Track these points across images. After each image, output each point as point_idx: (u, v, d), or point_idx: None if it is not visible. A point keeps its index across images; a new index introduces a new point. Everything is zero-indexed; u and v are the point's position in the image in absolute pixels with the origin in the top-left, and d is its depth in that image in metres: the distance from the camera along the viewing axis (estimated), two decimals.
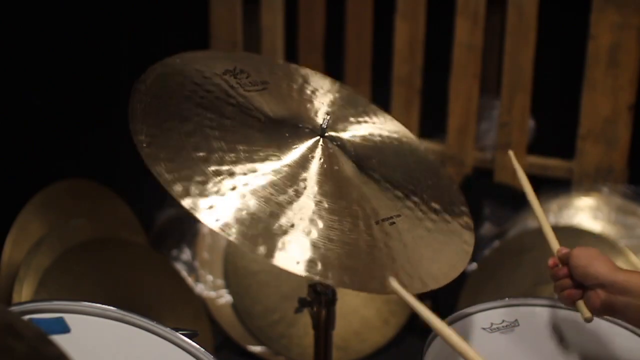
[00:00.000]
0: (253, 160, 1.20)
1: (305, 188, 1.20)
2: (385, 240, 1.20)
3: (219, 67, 1.36)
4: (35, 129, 2.07)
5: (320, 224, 1.16)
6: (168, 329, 1.19)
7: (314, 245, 1.13)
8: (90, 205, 2.05)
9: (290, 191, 1.19)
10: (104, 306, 1.20)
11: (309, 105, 1.39)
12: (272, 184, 1.18)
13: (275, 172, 1.20)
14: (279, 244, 1.12)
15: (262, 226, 1.13)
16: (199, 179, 1.14)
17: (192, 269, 2.33)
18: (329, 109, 1.40)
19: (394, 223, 1.23)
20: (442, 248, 1.26)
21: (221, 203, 1.13)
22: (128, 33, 2.31)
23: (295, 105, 1.37)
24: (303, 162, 1.24)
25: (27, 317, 1.13)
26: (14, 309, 1.15)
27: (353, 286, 1.14)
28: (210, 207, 1.12)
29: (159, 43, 2.43)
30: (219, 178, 1.15)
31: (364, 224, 1.20)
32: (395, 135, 1.45)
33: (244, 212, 1.13)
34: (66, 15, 2.12)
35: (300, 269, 1.10)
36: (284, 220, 1.14)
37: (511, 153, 1.39)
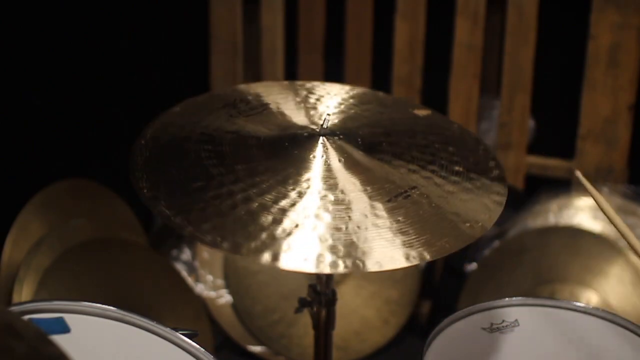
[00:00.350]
0: (253, 175, 1.22)
1: (308, 187, 1.21)
2: (401, 213, 1.20)
3: (218, 103, 1.40)
4: (35, 129, 2.07)
5: (327, 217, 1.17)
6: (168, 329, 1.19)
7: (321, 239, 1.14)
8: (90, 205, 2.05)
9: (293, 194, 1.19)
10: (104, 306, 1.20)
11: (312, 113, 1.40)
12: (275, 192, 1.19)
13: (277, 179, 1.21)
14: (284, 247, 1.12)
15: (266, 234, 1.13)
16: (197, 206, 1.16)
17: (192, 269, 2.33)
18: (334, 109, 1.41)
19: (409, 196, 1.23)
20: (465, 205, 1.27)
21: (222, 222, 1.14)
22: (128, 33, 2.31)
23: (296, 116, 1.38)
24: (305, 163, 1.25)
25: (27, 317, 1.13)
26: (14, 309, 1.15)
27: (371, 267, 1.14)
28: (214, 228, 1.13)
29: (158, 43, 2.43)
30: (218, 201, 1.17)
31: (376, 205, 1.20)
32: (408, 117, 1.46)
33: (247, 226, 1.14)
34: (66, 15, 2.12)
35: (309, 266, 1.11)
36: (287, 223, 1.15)
37: (578, 173, 1.38)
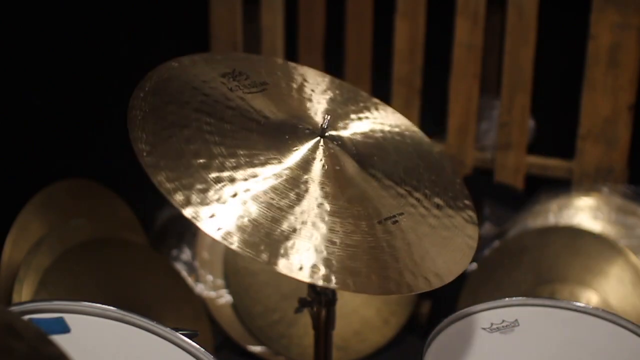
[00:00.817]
0: (254, 165, 1.20)
1: (307, 191, 1.20)
2: (388, 239, 1.20)
3: (217, 70, 1.35)
4: (35, 129, 2.07)
5: (323, 227, 1.16)
6: (168, 329, 1.19)
7: (317, 250, 1.13)
8: (90, 205, 2.05)
9: (292, 195, 1.19)
10: (104, 306, 1.20)
11: (308, 104, 1.39)
12: (274, 189, 1.18)
13: (276, 175, 1.20)
14: (281, 250, 1.11)
15: (264, 233, 1.12)
16: (200, 186, 1.14)
17: (192, 269, 2.33)
18: (329, 107, 1.40)
19: (397, 222, 1.23)
20: (445, 244, 1.26)
21: (222, 211, 1.13)
22: (128, 33, 2.31)
23: (295, 105, 1.37)
24: (304, 164, 1.24)
25: (27, 317, 1.13)
26: (14, 309, 1.15)
27: (356, 289, 1.13)
28: (212, 216, 1.12)
29: (158, 43, 2.43)
30: (219, 185, 1.15)
31: (367, 225, 1.20)
32: (397, 130, 1.45)
33: (245, 220, 1.13)
34: (66, 15, 2.12)
35: (303, 275, 1.10)
36: (285, 226, 1.14)
37: None
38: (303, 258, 1.11)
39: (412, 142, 1.44)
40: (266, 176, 1.19)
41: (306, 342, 2.21)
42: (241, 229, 1.11)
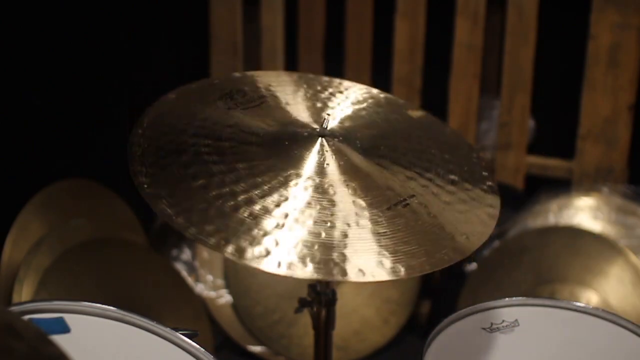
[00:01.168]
0: (255, 175, 1.20)
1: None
2: (403, 221, 1.20)
3: (214, 94, 1.37)
4: (35, 129, 2.07)
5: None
6: (168, 329, 1.19)
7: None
8: (90, 205, 2.05)
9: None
10: (104, 306, 1.20)
11: (309, 108, 1.39)
12: (276, 195, 1.18)
13: (279, 182, 1.20)
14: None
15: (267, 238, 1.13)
16: (200, 206, 1.15)
17: (192, 269, 2.33)
18: (330, 107, 1.40)
19: (407, 205, 1.23)
20: (461, 217, 1.26)
21: (225, 224, 1.13)
22: (128, 33, 2.31)
23: (294, 111, 1.37)
24: (305, 165, 1.24)
25: (27, 317, 1.13)
26: (14, 309, 1.15)
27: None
28: (217, 230, 1.13)
29: (158, 43, 2.43)
30: (219, 202, 1.16)
31: (376, 212, 1.20)
32: (401, 117, 1.45)
33: (251, 230, 1.13)
34: (66, 15, 2.12)
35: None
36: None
37: None
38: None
39: (422, 126, 1.45)
40: (268, 183, 1.20)
41: (306, 342, 2.21)
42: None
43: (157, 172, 1.21)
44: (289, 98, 1.40)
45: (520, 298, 1.36)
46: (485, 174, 1.37)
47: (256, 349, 2.27)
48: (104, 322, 1.19)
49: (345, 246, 1.13)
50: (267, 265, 1.10)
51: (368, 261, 1.12)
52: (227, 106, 1.34)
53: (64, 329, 1.14)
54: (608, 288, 2.08)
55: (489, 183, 1.35)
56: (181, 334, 1.19)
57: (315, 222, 1.16)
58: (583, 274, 2.10)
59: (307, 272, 1.10)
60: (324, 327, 1.40)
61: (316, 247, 1.13)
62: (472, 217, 1.27)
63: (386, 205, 1.21)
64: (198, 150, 1.24)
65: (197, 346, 1.18)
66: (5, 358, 0.71)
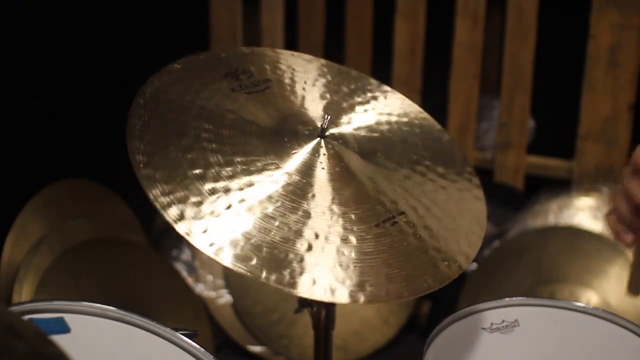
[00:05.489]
0: (250, 173, 1.17)
1: (313, 196, 1.17)
2: (388, 241, 1.17)
3: (220, 70, 1.33)
4: (35, 129, 2.07)
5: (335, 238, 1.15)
6: (168, 329, 1.19)
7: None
8: (90, 205, 2.05)
9: (303, 202, 1.17)
10: (104, 306, 1.19)
11: (310, 99, 1.35)
12: (270, 197, 1.16)
13: (274, 182, 1.17)
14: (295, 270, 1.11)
15: (267, 249, 1.11)
16: (194, 199, 1.12)
17: (192, 269, 2.33)
18: (329, 100, 1.37)
19: (396, 222, 1.20)
20: (449, 236, 1.24)
21: (215, 225, 1.10)
22: (128, 33, 2.31)
23: (296, 101, 1.33)
24: (303, 169, 1.20)
25: (27, 317, 1.13)
26: (14, 309, 1.15)
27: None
28: (205, 231, 1.10)
29: (159, 43, 2.43)
30: (214, 197, 1.13)
31: (364, 227, 1.18)
32: (404, 120, 1.43)
33: (238, 233, 1.10)
34: (66, 15, 2.12)
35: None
36: (300, 244, 1.12)
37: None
38: (318, 275, 1.10)
39: (421, 131, 1.42)
40: (263, 183, 1.16)
41: (306, 342, 2.21)
42: (234, 243, 1.09)
43: (155, 150, 1.15)
44: (306, 85, 1.36)
45: (520, 298, 1.36)
46: (467, 168, 1.36)
47: (256, 349, 2.27)
48: (104, 322, 1.19)
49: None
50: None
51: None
52: (231, 87, 1.29)
53: (64, 329, 1.14)
54: (608, 288, 2.08)
55: (469, 175, 1.33)
56: (181, 334, 1.19)
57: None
58: (583, 274, 2.10)
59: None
60: (324, 327, 1.40)
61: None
62: (459, 237, 1.24)
63: (375, 222, 1.17)
64: (198, 135, 1.19)
65: (197, 346, 1.18)
66: (5, 358, 0.71)
